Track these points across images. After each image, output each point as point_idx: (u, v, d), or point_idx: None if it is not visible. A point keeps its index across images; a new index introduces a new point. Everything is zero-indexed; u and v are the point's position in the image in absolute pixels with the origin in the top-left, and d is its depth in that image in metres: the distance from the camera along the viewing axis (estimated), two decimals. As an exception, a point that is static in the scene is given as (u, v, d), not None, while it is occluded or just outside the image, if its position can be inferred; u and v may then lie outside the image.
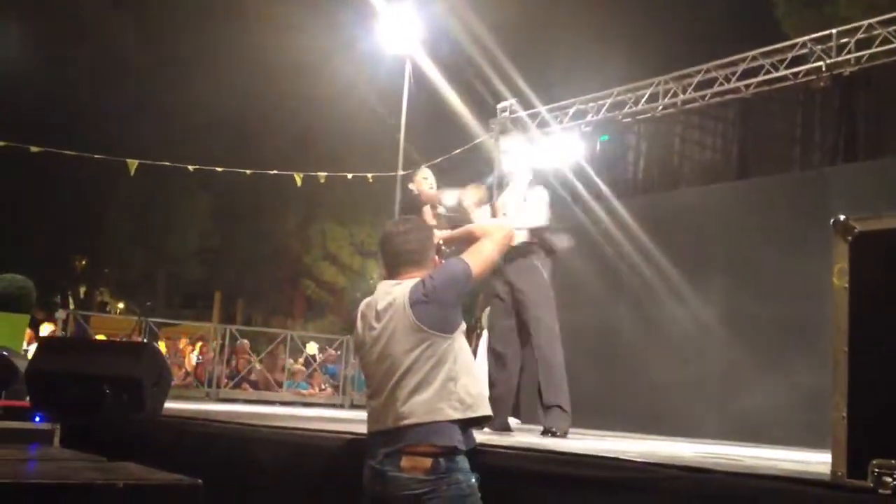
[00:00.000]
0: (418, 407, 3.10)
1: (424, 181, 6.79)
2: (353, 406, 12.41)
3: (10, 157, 13.97)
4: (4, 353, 7.17)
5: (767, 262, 8.53)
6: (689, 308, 8.99)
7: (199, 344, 13.29)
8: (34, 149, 12.94)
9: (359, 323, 3.37)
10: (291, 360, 13.64)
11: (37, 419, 5.43)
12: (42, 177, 18.44)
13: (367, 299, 3.43)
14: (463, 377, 3.19)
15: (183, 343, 12.93)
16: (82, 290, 25.37)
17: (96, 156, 13.59)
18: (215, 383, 12.03)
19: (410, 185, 6.95)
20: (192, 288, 25.77)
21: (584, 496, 2.91)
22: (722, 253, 9.02)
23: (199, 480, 3.02)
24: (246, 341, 13.14)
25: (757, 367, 8.12)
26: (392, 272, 3.41)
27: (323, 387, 13.33)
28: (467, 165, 14.25)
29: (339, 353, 13.78)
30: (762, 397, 7.86)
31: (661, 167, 10.74)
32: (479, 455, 3.25)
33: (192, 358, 12.91)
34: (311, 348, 15.58)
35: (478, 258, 3.38)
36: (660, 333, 9.19)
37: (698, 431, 7.84)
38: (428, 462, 3.04)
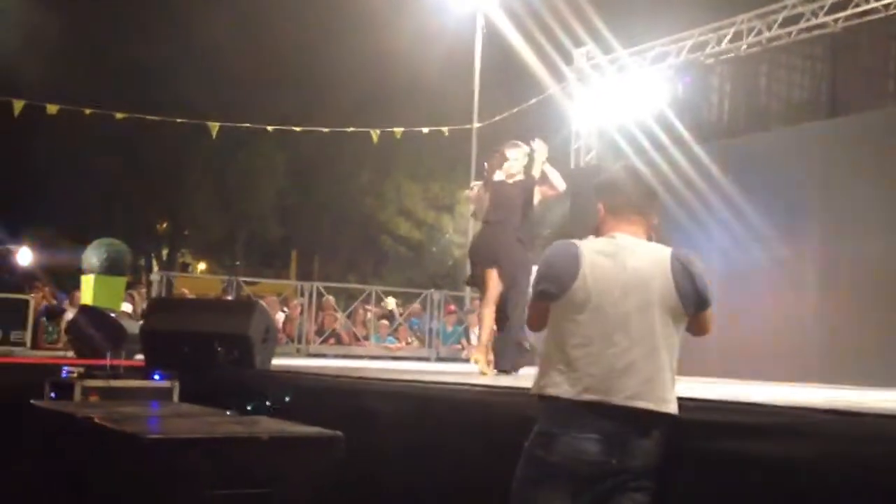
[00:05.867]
0: (658, 392, 2.93)
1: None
2: (440, 359, 12.58)
3: (95, 125, 14.31)
4: (113, 314, 7.45)
5: (864, 202, 8.32)
6: (783, 253, 8.82)
7: (288, 300, 13.55)
8: (119, 115, 13.21)
9: (585, 267, 2.98)
10: (376, 315, 13.81)
11: (156, 377, 5.61)
12: (125, 142, 18.83)
13: (588, 242, 3.10)
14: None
15: (272, 300, 13.17)
16: (164, 252, 25.97)
17: (178, 120, 13.81)
18: (304, 339, 12.30)
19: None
20: (270, 247, 26.14)
21: (738, 442, 2.91)
22: (815, 195, 8.81)
23: (340, 432, 3.11)
24: (331, 297, 13.38)
25: (858, 310, 7.98)
26: (619, 219, 3.13)
27: (409, 340, 13.50)
28: (542, 115, 14.13)
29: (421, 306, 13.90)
30: (865, 339, 7.73)
31: (747, 109, 10.50)
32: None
33: (280, 315, 13.16)
34: (390, 303, 15.69)
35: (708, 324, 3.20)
36: (753, 281, 9.04)
37: (798, 375, 7.74)
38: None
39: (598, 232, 3.19)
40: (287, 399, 3.19)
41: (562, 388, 2.98)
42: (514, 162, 7.16)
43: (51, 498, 3.55)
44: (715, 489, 2.90)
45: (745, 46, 10.33)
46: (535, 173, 7.07)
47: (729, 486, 2.85)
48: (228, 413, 3.95)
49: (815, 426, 2.74)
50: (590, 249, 3.06)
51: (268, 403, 3.30)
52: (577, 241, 3.10)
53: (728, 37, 10.41)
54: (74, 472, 3.38)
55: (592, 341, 2.96)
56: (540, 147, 7.15)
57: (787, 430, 2.80)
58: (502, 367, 6.72)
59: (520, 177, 7.10)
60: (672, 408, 2.97)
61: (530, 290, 6.98)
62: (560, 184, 7.35)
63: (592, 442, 2.90)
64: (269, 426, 3.26)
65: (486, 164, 7.27)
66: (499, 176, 7.13)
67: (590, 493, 2.94)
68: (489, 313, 6.84)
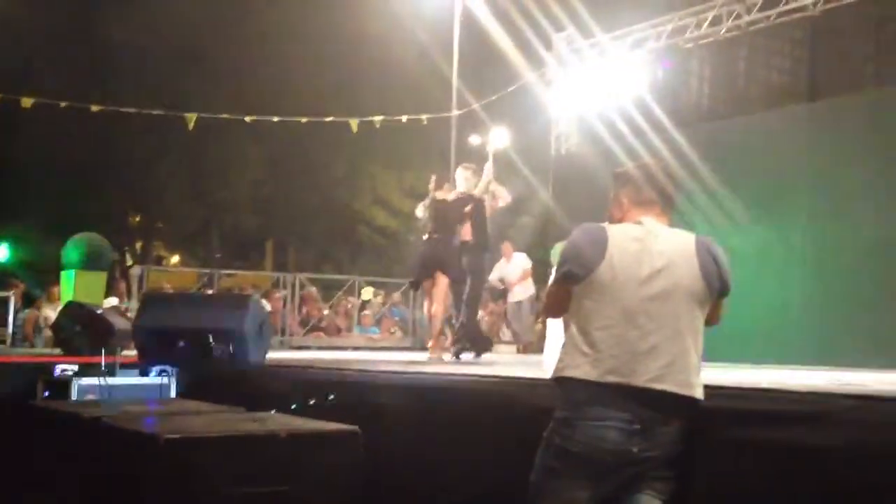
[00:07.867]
0: (681, 376, 2.92)
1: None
2: (424, 348, 12.51)
3: (71, 118, 14.10)
4: (99, 310, 7.34)
5: (846, 185, 8.39)
6: (765, 237, 8.88)
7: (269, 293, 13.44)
8: (95, 108, 13.02)
9: (612, 248, 2.99)
10: (356, 305, 13.76)
11: (153, 373, 5.54)
12: (101, 135, 18.57)
13: (616, 226, 3.11)
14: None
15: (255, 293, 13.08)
16: (138, 245, 25.66)
17: (155, 112, 13.64)
18: (287, 331, 12.20)
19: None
20: (244, 238, 25.89)
21: (759, 430, 2.91)
22: (797, 178, 8.87)
23: (357, 428, 3.08)
24: (314, 289, 13.30)
25: (843, 292, 8.05)
26: (645, 208, 3.15)
27: (392, 330, 13.46)
28: (522, 102, 14.10)
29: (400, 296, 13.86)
30: (850, 321, 7.80)
31: (727, 93, 10.52)
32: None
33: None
34: (367, 293, 15.61)
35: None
36: (735, 265, 9.06)
37: (783, 358, 7.79)
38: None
39: (620, 221, 3.18)
40: (331, 397, 3.16)
41: (583, 369, 2.95)
42: (463, 181, 8.22)
43: (64, 500, 3.49)
44: (738, 479, 2.90)
45: (724, 30, 10.35)
46: (478, 192, 8.20)
47: (751, 475, 2.85)
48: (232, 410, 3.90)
49: (838, 412, 2.74)
50: (618, 232, 3.07)
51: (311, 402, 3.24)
52: (604, 225, 3.10)
53: (707, 21, 10.43)
54: (86, 474, 3.33)
55: (616, 323, 2.95)
56: (488, 168, 8.37)
57: (809, 417, 2.80)
58: (474, 351, 8.22)
59: (469, 191, 8.18)
60: (697, 392, 2.96)
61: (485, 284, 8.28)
62: (506, 197, 8.77)
63: (613, 429, 2.88)
64: (284, 423, 3.23)
65: (430, 186, 8.20)
66: (440, 195, 8.10)
67: (610, 482, 2.92)
68: (439, 312, 7.93)
